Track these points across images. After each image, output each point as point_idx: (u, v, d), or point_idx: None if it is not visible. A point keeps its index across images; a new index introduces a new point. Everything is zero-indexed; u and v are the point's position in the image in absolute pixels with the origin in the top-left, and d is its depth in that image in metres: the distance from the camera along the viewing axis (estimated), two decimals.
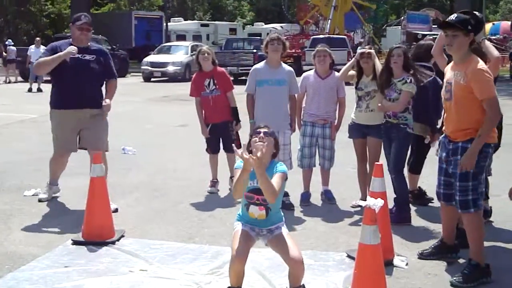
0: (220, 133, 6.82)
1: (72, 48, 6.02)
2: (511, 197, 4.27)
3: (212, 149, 6.93)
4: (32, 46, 22.21)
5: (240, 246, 3.80)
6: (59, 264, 4.60)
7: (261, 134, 3.90)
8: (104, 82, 6.39)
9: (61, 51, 6.06)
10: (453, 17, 4.37)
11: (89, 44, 6.32)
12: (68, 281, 4.27)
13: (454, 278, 4.31)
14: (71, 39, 6.33)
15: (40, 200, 6.41)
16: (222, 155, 6.99)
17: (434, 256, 4.74)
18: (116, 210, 5.83)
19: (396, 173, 5.71)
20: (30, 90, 20.04)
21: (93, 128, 6.22)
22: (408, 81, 5.60)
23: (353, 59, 6.15)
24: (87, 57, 6.20)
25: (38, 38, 23.33)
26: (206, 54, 6.72)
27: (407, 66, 5.67)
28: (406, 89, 5.61)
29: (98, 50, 6.40)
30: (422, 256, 4.78)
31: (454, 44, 4.28)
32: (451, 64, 4.54)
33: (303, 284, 3.88)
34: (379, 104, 5.80)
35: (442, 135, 4.62)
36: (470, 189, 4.30)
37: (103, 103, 6.19)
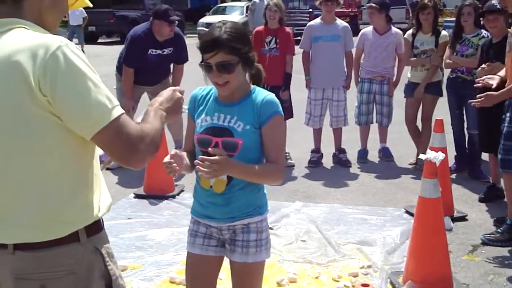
0: None
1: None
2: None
3: None
4: None
5: None
6: (123, 216, 4.78)
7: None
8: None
9: (143, 43, 5.80)
10: None
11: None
12: (132, 232, 4.44)
13: (486, 234, 4.16)
14: (148, 26, 5.85)
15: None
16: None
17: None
18: None
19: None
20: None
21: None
22: (486, 36, 5.35)
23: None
24: (166, 51, 5.97)
25: None
26: (272, 11, 5.96)
27: (478, 22, 5.50)
28: None
29: (176, 39, 6.02)
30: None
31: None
32: None
33: None
34: (448, 61, 5.62)
35: None
36: None
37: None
